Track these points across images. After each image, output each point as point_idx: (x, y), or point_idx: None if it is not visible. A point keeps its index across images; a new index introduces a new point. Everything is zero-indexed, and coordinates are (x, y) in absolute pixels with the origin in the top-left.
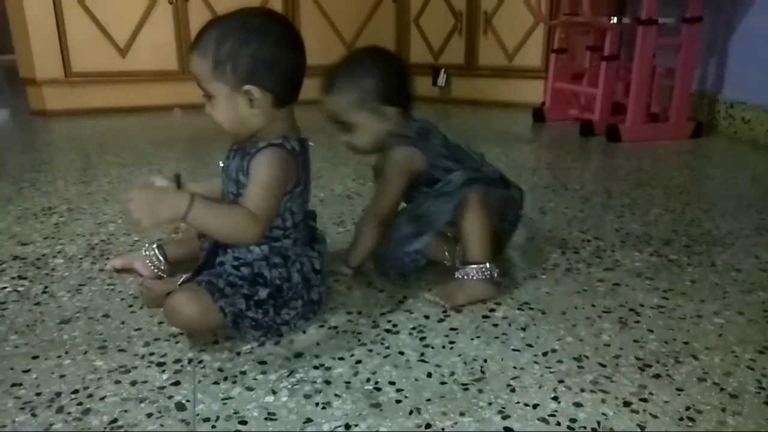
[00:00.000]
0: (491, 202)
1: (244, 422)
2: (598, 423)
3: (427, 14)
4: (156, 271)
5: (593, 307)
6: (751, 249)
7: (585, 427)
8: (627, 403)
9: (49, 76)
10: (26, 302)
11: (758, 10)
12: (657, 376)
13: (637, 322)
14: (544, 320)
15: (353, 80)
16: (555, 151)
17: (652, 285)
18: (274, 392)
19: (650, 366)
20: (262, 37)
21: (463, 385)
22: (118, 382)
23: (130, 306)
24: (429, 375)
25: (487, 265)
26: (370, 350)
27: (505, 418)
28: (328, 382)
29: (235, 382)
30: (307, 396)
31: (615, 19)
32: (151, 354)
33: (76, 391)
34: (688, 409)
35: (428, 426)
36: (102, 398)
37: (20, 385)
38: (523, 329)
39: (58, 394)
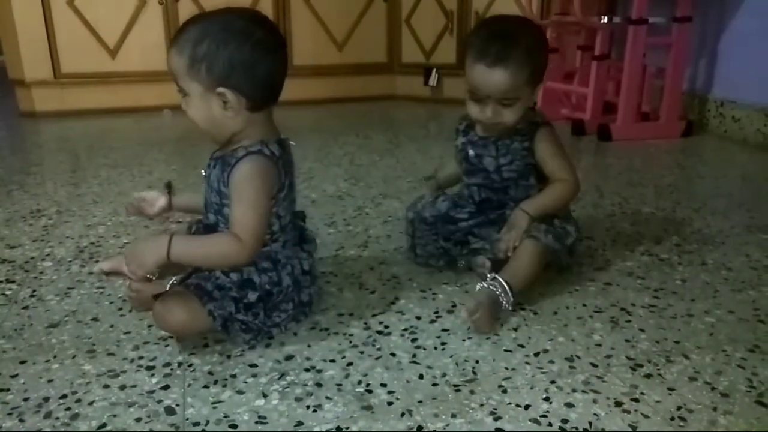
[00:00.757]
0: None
1: (234, 426)
2: (590, 423)
3: (419, 14)
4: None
5: (585, 307)
6: (742, 248)
7: (576, 428)
8: (618, 403)
9: (38, 77)
10: (14, 306)
11: (748, 10)
12: (648, 375)
13: (629, 321)
14: (535, 320)
15: (529, 55)
16: None
17: (643, 284)
18: (264, 395)
19: (641, 366)
20: (242, 39)
21: (455, 386)
22: (106, 386)
23: (120, 309)
24: (420, 376)
25: (510, 296)
26: (362, 352)
27: (496, 419)
28: (319, 385)
29: (225, 386)
30: (298, 399)
31: (606, 19)
32: (141, 358)
33: (64, 396)
34: (679, 408)
35: (420, 428)
36: (90, 403)
37: (8, 390)
38: (515, 329)
39: (46, 399)
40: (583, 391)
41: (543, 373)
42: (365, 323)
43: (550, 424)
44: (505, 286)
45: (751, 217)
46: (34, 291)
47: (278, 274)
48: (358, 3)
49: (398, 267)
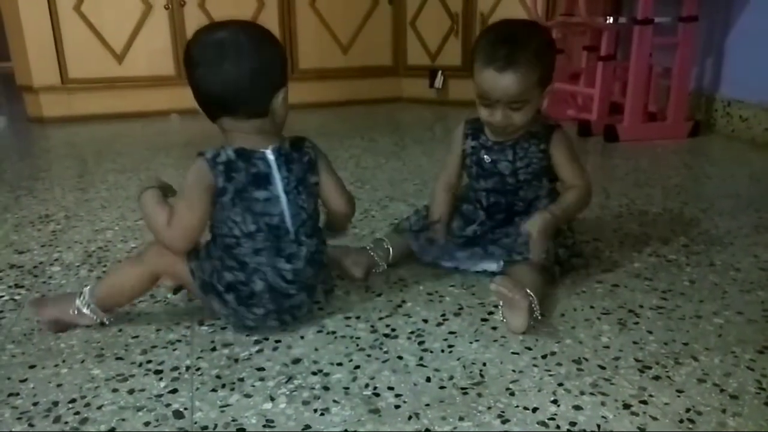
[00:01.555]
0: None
1: (242, 429)
2: (598, 426)
3: (424, 16)
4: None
5: (592, 309)
6: (750, 248)
7: (585, 431)
8: (627, 406)
9: (46, 83)
10: (23, 311)
11: (754, 8)
12: (657, 377)
13: (636, 323)
14: (543, 322)
15: (538, 57)
16: None
17: (650, 286)
18: (272, 399)
19: (650, 367)
20: (201, 50)
21: (462, 389)
22: (115, 390)
23: (128, 313)
24: (428, 379)
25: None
26: (369, 355)
27: (504, 422)
28: (326, 388)
29: (233, 389)
30: (305, 402)
31: (611, 19)
32: (149, 362)
33: (73, 401)
34: (688, 410)
35: (427, 431)
36: (99, 407)
37: (17, 394)
38: (522, 332)
39: (56, 404)
40: (591, 394)
41: (551, 375)
42: (372, 326)
43: (558, 427)
44: (533, 295)
45: (760, 218)
46: (43, 296)
47: (247, 276)
48: (363, 6)
49: (404, 269)
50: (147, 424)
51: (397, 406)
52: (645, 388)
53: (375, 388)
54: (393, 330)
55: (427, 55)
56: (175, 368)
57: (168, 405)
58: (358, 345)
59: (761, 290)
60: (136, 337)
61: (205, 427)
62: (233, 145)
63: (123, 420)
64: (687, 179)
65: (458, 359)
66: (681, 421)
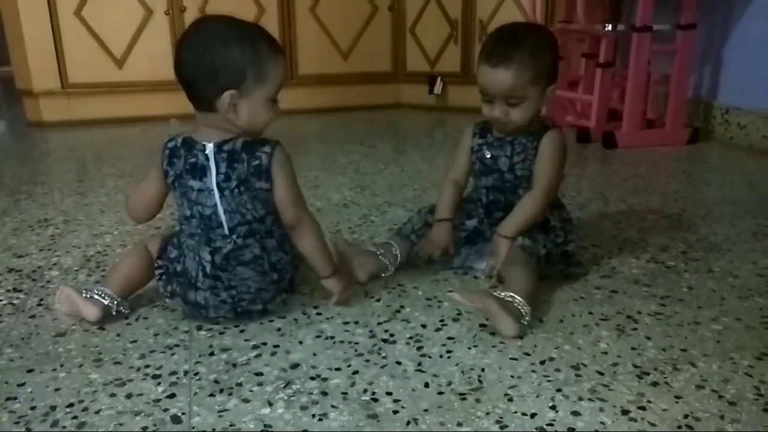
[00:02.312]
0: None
1: None
2: None
3: (423, 23)
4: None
5: (590, 315)
6: (748, 255)
7: None
8: (625, 412)
9: (45, 87)
10: (21, 315)
11: (752, 16)
12: (655, 383)
13: (635, 329)
14: (541, 328)
15: (533, 56)
16: None
17: (649, 292)
18: (270, 404)
19: (648, 374)
20: (181, 36)
21: (461, 394)
22: (113, 395)
23: (126, 318)
24: (426, 385)
25: (525, 305)
26: (367, 360)
27: (502, 428)
28: (324, 393)
29: (231, 394)
30: (303, 407)
31: (610, 27)
32: (147, 366)
33: (71, 405)
34: (686, 416)
35: None
36: (97, 411)
37: (15, 398)
38: (520, 337)
39: (53, 408)
40: (590, 399)
41: (549, 381)
42: (370, 331)
43: None
44: (516, 296)
45: (758, 224)
46: (42, 300)
47: (178, 255)
48: (362, 12)
49: (403, 275)
50: (145, 428)
51: (396, 412)
52: (643, 394)
53: (373, 393)
54: (391, 335)
55: (426, 62)
56: (173, 373)
57: (166, 410)
58: (356, 350)
59: (759, 297)
60: (135, 341)
61: None
62: (188, 134)
63: (121, 425)
64: (685, 186)
65: (457, 365)
66: (679, 427)
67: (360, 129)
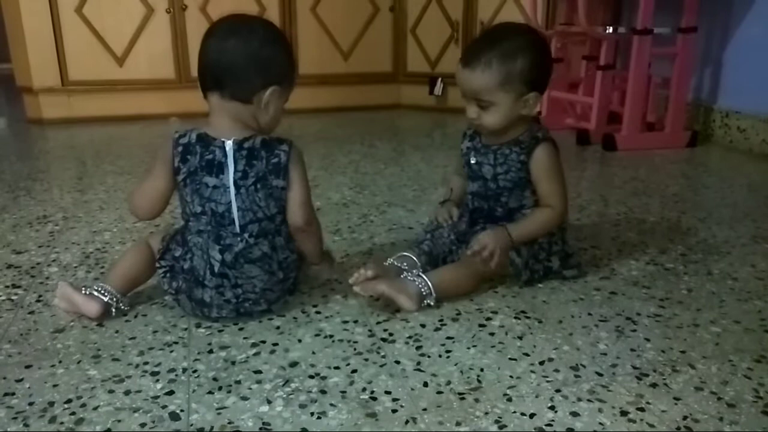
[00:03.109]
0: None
1: None
2: None
3: (424, 24)
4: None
5: (590, 316)
6: (748, 258)
7: None
8: (624, 413)
9: (46, 84)
10: (20, 311)
11: (752, 20)
12: (654, 385)
13: (634, 330)
14: (540, 329)
15: (503, 60)
16: None
17: (648, 294)
18: (269, 402)
19: (647, 375)
20: (220, 25)
21: (460, 394)
22: (111, 391)
23: (125, 315)
24: (425, 384)
25: (432, 291)
26: (366, 359)
27: (501, 427)
28: (323, 392)
29: (229, 392)
30: (302, 406)
31: (611, 29)
32: (146, 363)
33: (69, 401)
34: (685, 418)
35: None
36: (95, 408)
37: (13, 394)
38: (520, 338)
39: (51, 404)
40: (589, 400)
41: (548, 381)
42: (370, 330)
43: None
44: (424, 279)
45: (757, 227)
46: (40, 296)
47: (184, 253)
48: (364, 13)
49: None
50: (143, 425)
51: (394, 411)
52: (642, 396)
53: (372, 392)
54: (391, 334)
55: (427, 62)
56: (172, 370)
57: (164, 407)
58: (355, 349)
59: (758, 299)
60: (133, 338)
61: (201, 430)
62: (201, 129)
63: (119, 421)
64: (685, 189)
65: (455, 364)
66: (678, 429)
67: (360, 129)
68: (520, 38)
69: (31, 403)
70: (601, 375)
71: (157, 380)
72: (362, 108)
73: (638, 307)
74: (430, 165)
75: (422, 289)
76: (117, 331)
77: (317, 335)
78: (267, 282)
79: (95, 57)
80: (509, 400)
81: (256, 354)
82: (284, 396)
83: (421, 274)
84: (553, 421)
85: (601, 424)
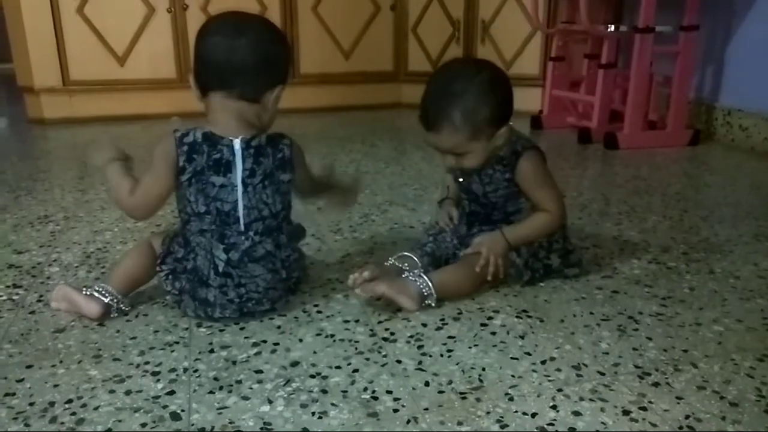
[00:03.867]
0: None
1: None
2: None
3: (425, 23)
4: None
5: (592, 315)
6: (750, 256)
7: None
8: (626, 412)
9: (47, 84)
10: (21, 311)
11: (754, 18)
12: (656, 384)
13: (636, 329)
14: (542, 328)
15: (465, 117)
16: (553, 158)
17: (650, 292)
18: (270, 402)
19: (649, 374)
20: (223, 23)
21: (461, 393)
22: (112, 391)
23: (126, 315)
24: (427, 384)
25: (433, 291)
26: (367, 359)
27: (503, 427)
28: (324, 392)
29: (230, 392)
30: (303, 405)
31: (612, 27)
32: (146, 363)
33: (69, 401)
34: (687, 417)
35: None
36: (96, 408)
37: (13, 394)
38: (522, 337)
39: (52, 404)
40: (591, 400)
41: (550, 381)
42: (371, 330)
43: None
44: (426, 279)
45: (759, 226)
46: (41, 296)
47: (186, 253)
48: (365, 11)
49: None
50: (144, 425)
51: (396, 410)
52: (644, 395)
53: (373, 391)
54: (392, 334)
55: (428, 62)
56: (173, 370)
57: (165, 407)
58: (356, 348)
59: (761, 298)
60: (134, 338)
61: (202, 429)
62: (205, 128)
63: (119, 421)
64: (687, 187)
65: (457, 364)
66: (680, 428)
67: (361, 128)
68: (474, 86)
69: (31, 403)
70: (603, 374)
71: (158, 380)
72: (363, 107)
73: (640, 306)
74: (432, 164)
75: (423, 290)
76: (118, 331)
77: (318, 335)
78: (270, 281)
79: (96, 57)
80: (511, 399)
81: (257, 354)
82: (285, 396)
83: (422, 274)
84: (555, 420)
85: (603, 423)
